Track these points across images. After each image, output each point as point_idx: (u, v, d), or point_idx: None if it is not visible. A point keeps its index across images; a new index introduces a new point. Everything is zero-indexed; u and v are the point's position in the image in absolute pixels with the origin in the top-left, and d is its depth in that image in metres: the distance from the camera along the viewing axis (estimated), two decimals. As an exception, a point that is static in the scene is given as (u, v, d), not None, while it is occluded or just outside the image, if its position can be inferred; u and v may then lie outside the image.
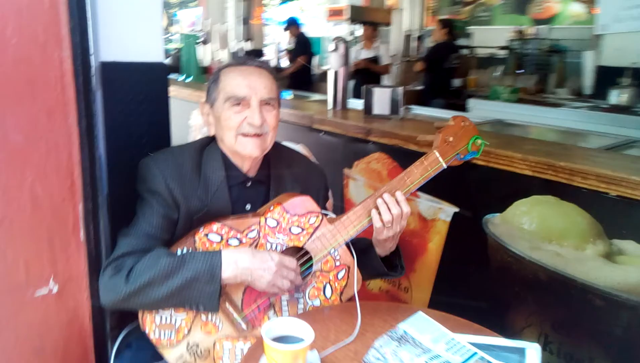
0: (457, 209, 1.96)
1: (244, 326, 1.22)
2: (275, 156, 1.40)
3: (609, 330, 1.57)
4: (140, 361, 1.21)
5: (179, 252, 1.18)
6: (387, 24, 5.92)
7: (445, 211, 2.00)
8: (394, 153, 2.13)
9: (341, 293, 1.30)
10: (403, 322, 1.11)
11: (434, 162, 1.32)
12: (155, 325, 1.19)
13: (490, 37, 6.22)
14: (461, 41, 5.52)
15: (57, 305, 1.12)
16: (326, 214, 1.31)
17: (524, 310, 1.81)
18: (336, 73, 2.48)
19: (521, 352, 1.05)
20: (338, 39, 2.44)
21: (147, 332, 1.18)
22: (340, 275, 1.29)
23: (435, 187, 2.00)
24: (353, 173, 2.33)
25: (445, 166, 1.33)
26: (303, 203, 1.27)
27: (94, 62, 1.32)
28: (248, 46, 5.60)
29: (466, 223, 1.93)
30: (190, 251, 1.19)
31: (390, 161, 2.16)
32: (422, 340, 1.06)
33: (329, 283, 1.29)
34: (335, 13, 7.48)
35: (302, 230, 1.26)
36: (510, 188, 1.79)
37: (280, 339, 0.95)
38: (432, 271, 2.08)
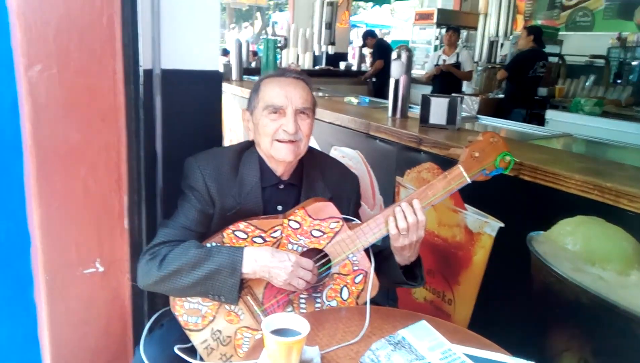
0: (502, 224, 1.93)
1: (263, 318, 1.32)
2: (310, 161, 1.49)
3: (649, 362, 1.49)
4: (168, 340, 1.34)
5: (208, 246, 1.31)
6: (474, 28, 5.79)
7: (491, 226, 1.97)
8: (444, 164, 2.14)
9: (357, 296, 1.35)
10: (404, 328, 1.15)
11: (458, 176, 1.34)
12: (184, 309, 1.32)
13: (587, 44, 5.87)
14: (552, 48, 5.25)
15: (102, 283, 1.28)
16: (352, 221, 1.37)
17: (564, 332, 1.75)
18: (397, 81, 2.51)
19: (519, 370, 1.05)
20: (401, 48, 2.48)
21: (176, 315, 1.32)
22: (358, 279, 1.35)
23: (482, 201, 1.99)
24: (404, 181, 2.35)
25: (469, 181, 1.35)
26: (325, 208, 1.34)
27: (157, 70, 1.50)
28: (330, 49, 5.72)
29: (510, 239, 1.89)
30: (217, 245, 1.31)
31: (439, 171, 2.17)
32: (418, 346, 1.09)
33: (346, 286, 1.35)
34: (423, 17, 7.42)
35: (323, 233, 1.34)
36: (556, 206, 1.74)
37: (279, 332, 1.04)
38: (476, 285, 2.06)
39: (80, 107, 1.17)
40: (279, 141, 1.36)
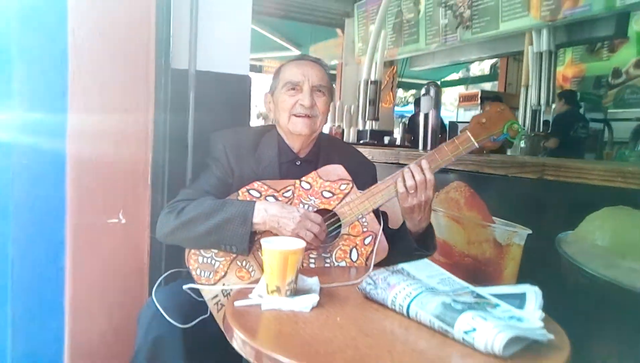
0: (530, 231, 1.89)
1: (272, 275, 1.34)
2: (327, 143, 1.57)
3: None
4: (178, 296, 1.36)
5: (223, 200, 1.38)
6: (516, 108, 5.89)
7: (519, 235, 1.93)
8: (471, 180, 2.15)
9: (367, 258, 1.36)
10: (405, 263, 1.14)
11: (466, 141, 1.38)
12: (198, 263, 1.36)
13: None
14: (595, 115, 5.27)
15: (123, 234, 1.36)
16: None
17: (602, 336, 1.63)
18: (427, 115, 2.61)
19: (522, 297, 1.01)
20: (429, 83, 2.60)
21: (190, 269, 1.36)
22: (367, 241, 1.36)
23: (509, 210, 1.97)
24: (434, 205, 2.36)
25: (477, 145, 1.38)
26: (335, 170, 1.40)
27: (192, 70, 1.68)
28: (375, 125, 5.94)
29: (540, 245, 1.84)
30: (231, 199, 1.37)
31: (467, 188, 2.17)
32: (416, 274, 1.08)
33: (356, 247, 1.36)
34: (466, 98, 7.65)
35: (333, 194, 1.38)
36: (581, 202, 1.71)
37: (277, 249, 1.07)
38: (508, 301, 1.97)
39: (118, 76, 1.34)
40: (296, 115, 1.46)
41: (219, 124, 1.71)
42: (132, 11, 1.35)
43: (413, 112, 7.04)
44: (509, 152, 4.31)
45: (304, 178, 1.40)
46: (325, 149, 1.56)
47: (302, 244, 1.06)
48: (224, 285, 1.35)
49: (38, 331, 1.41)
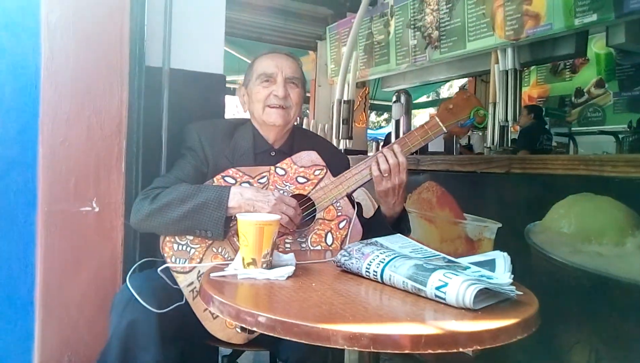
0: (500, 225, 1.94)
1: (248, 260, 1.34)
2: (301, 135, 1.60)
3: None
4: (153, 282, 1.35)
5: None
6: (484, 127, 6.06)
7: (490, 229, 1.98)
8: (442, 179, 2.20)
9: (342, 242, 1.38)
10: (380, 238, 1.16)
11: (434, 126, 1.43)
12: (173, 251, 1.36)
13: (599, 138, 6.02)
14: (559, 130, 5.47)
15: (96, 223, 1.35)
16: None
17: (571, 323, 1.67)
18: (398, 122, 2.67)
19: (492, 262, 1.04)
20: (400, 91, 2.67)
21: (165, 256, 1.36)
22: (342, 225, 1.39)
23: (479, 206, 2.02)
24: (408, 206, 2.40)
25: (445, 130, 1.43)
26: (309, 156, 1.43)
27: (166, 67, 1.70)
28: (349, 143, 6.02)
29: (510, 237, 1.89)
30: (206, 185, 1.38)
31: (438, 187, 2.23)
32: (389, 246, 1.10)
33: (331, 231, 1.38)
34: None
35: (307, 180, 1.41)
36: (547, 192, 1.77)
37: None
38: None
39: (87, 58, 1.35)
40: (270, 106, 1.49)
41: (193, 121, 1.72)
42: (107, 1, 1.37)
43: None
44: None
45: (278, 164, 1.42)
46: (299, 141, 1.59)
47: (277, 216, 1.07)
48: (199, 263, 1.35)
49: (7, 329, 1.38)
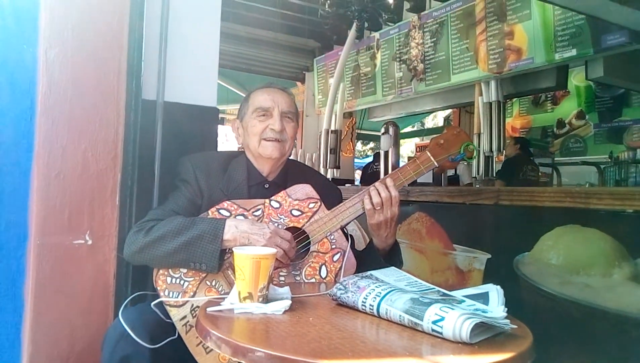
0: (489, 256, 1.96)
1: (242, 293, 1.34)
2: (294, 168, 1.62)
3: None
4: (145, 316, 1.33)
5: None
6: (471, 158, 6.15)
7: (479, 260, 2.00)
8: (432, 210, 2.23)
9: (336, 275, 1.38)
10: (375, 271, 1.17)
11: (426, 161, 1.46)
12: (166, 284, 1.35)
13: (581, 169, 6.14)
14: (543, 160, 5.58)
15: (89, 256, 1.34)
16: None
17: (563, 354, 1.68)
18: (387, 153, 2.71)
19: (485, 296, 1.06)
20: (389, 123, 2.72)
21: (158, 290, 1.35)
22: (336, 258, 1.40)
23: (469, 237, 2.05)
24: (398, 236, 2.42)
25: (436, 164, 1.46)
26: (304, 189, 1.44)
27: (160, 100, 1.72)
28: (336, 173, 6.07)
29: (499, 268, 1.91)
30: (201, 217, 1.39)
31: (427, 218, 2.25)
32: (384, 279, 1.12)
33: (325, 264, 1.39)
34: (424, 148, 7.94)
35: (302, 213, 1.42)
36: (535, 224, 1.80)
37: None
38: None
39: (87, 94, 1.37)
40: (266, 139, 1.51)
41: (186, 154, 1.74)
42: (105, 37, 1.40)
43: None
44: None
45: (273, 197, 1.43)
46: (293, 173, 1.60)
47: (273, 250, 1.08)
48: (193, 297, 1.34)
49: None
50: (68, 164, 1.32)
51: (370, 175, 6.58)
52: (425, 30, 5.01)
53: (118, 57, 1.43)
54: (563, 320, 1.66)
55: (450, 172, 5.44)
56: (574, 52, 3.69)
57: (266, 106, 1.52)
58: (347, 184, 5.10)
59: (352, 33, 5.58)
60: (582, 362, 1.62)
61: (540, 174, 5.19)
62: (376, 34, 5.63)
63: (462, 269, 2.06)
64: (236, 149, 1.74)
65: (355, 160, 9.15)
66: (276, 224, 1.40)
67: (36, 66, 1.31)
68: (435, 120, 11.48)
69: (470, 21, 4.49)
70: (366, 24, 5.63)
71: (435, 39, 4.92)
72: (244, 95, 1.65)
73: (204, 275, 1.35)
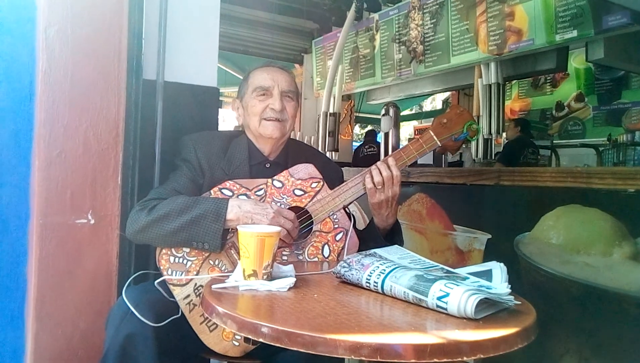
0: (489, 236, 1.97)
1: (245, 272, 1.35)
2: (295, 147, 1.62)
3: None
4: (149, 295, 1.34)
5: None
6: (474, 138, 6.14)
7: (479, 240, 2.01)
8: (432, 191, 2.23)
9: (339, 254, 1.39)
10: (378, 249, 1.18)
11: (429, 140, 1.45)
12: (169, 263, 1.35)
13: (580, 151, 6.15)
14: (542, 143, 5.58)
15: (92, 235, 1.34)
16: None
17: (561, 333, 1.70)
18: (387, 134, 2.70)
19: (489, 273, 1.06)
20: (389, 104, 2.71)
21: (161, 269, 1.35)
22: (338, 237, 1.40)
23: (469, 217, 2.05)
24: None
25: (439, 143, 1.45)
26: (306, 168, 1.44)
27: (160, 80, 1.70)
28: (335, 156, 6.06)
29: (500, 248, 1.92)
30: (204, 196, 1.39)
31: (428, 199, 2.25)
32: (388, 257, 1.12)
33: (328, 243, 1.39)
34: (422, 131, 7.93)
35: (304, 192, 1.42)
36: (536, 204, 1.80)
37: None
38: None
39: (87, 71, 1.35)
40: (266, 119, 1.50)
41: (187, 133, 1.73)
42: (104, 16, 1.38)
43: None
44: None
45: (275, 177, 1.43)
46: (294, 152, 1.60)
47: (277, 228, 1.08)
48: (196, 275, 1.34)
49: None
50: (69, 143, 1.31)
51: (362, 159, 6.58)
52: (424, 11, 4.96)
53: (118, 36, 1.41)
54: (563, 299, 1.67)
55: (455, 158, 5.44)
56: (574, 33, 3.67)
57: (266, 85, 1.51)
58: (345, 167, 5.11)
59: (351, 14, 5.52)
60: (582, 341, 1.63)
61: (539, 157, 5.20)
62: (375, 15, 5.57)
63: (462, 249, 2.07)
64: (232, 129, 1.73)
65: (354, 143, 9.14)
66: (279, 203, 1.40)
67: (35, 44, 1.29)
68: (434, 103, 11.43)
69: (471, 2, 4.44)
70: (365, 5, 5.58)
71: (435, 20, 4.87)
72: (241, 77, 1.63)
73: (207, 255, 1.36)
